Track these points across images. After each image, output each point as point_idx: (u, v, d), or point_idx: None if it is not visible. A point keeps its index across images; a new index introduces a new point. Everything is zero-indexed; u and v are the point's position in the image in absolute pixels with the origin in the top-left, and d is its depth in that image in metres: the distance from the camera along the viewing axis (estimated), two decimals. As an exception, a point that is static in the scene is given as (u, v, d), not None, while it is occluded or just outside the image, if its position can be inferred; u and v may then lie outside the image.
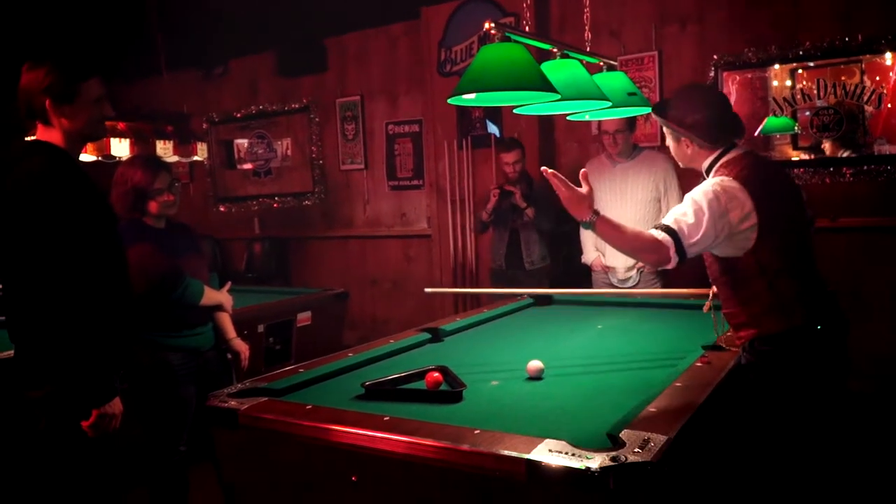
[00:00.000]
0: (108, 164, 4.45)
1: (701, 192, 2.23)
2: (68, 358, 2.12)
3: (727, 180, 2.25)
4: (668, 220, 2.22)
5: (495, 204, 4.59)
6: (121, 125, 4.55)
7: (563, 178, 2.14)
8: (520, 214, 4.58)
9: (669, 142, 2.51)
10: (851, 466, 3.38)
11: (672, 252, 2.15)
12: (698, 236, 2.16)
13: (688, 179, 3.54)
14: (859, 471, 3.40)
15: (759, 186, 2.25)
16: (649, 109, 2.97)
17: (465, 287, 5.46)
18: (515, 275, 4.63)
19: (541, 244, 4.64)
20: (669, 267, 2.20)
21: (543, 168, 2.18)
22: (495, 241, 4.78)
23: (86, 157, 4.43)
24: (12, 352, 2.28)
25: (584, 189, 2.15)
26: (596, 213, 2.16)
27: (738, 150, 2.39)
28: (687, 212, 2.20)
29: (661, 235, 2.17)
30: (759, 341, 2.30)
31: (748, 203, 2.21)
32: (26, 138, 2.31)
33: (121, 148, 4.50)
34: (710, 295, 2.61)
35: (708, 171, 2.41)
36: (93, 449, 2.22)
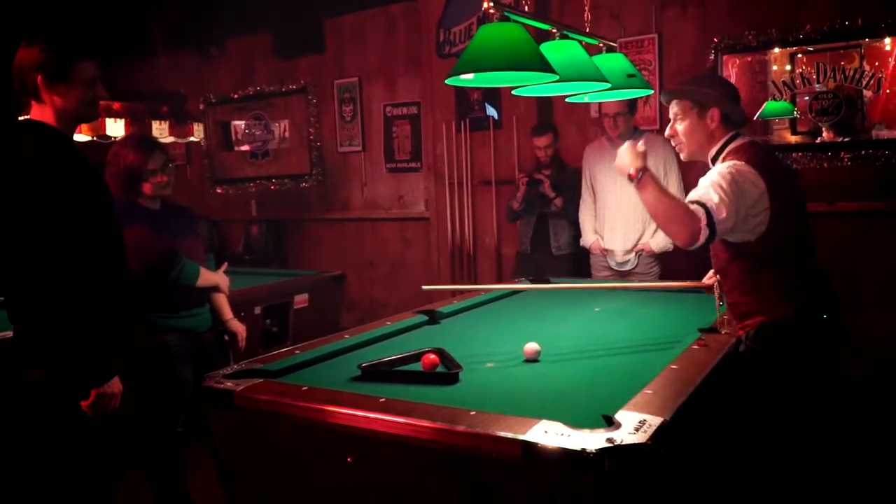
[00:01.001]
0: (104, 144, 4.42)
1: (717, 174, 2.23)
2: (67, 338, 2.12)
3: (740, 164, 2.26)
4: (692, 196, 2.20)
5: (525, 192, 4.55)
6: (116, 105, 4.53)
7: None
8: (548, 203, 4.54)
9: (683, 126, 2.45)
10: (849, 449, 3.40)
11: (703, 224, 2.11)
12: (725, 213, 2.14)
13: (688, 163, 3.53)
14: (857, 453, 3.42)
15: (768, 171, 2.27)
16: (649, 91, 2.95)
17: (462, 280, 5.47)
18: (541, 259, 4.58)
19: (570, 230, 4.58)
20: (698, 243, 2.15)
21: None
22: (522, 226, 4.74)
23: (80, 137, 4.41)
24: (11, 332, 2.27)
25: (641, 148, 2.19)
26: (646, 168, 2.16)
27: (744, 138, 2.40)
28: (709, 191, 2.18)
29: (694, 206, 2.15)
30: (765, 327, 2.30)
31: (762, 184, 2.22)
32: (20, 117, 2.29)
33: (116, 128, 4.49)
34: (716, 287, 2.58)
35: (714, 159, 2.41)
36: (91, 429, 2.22)
